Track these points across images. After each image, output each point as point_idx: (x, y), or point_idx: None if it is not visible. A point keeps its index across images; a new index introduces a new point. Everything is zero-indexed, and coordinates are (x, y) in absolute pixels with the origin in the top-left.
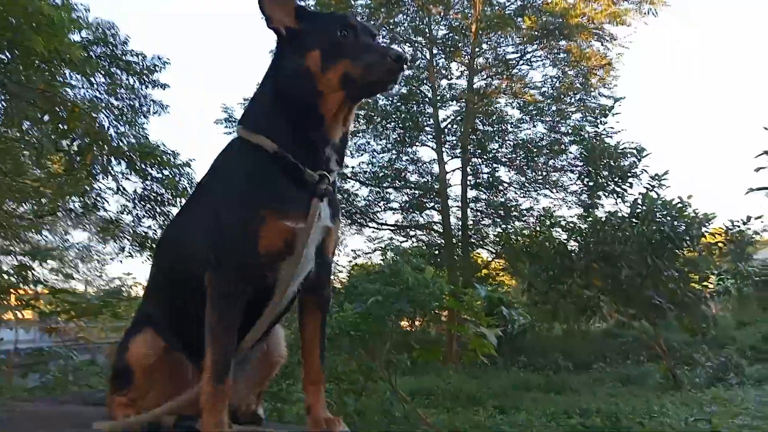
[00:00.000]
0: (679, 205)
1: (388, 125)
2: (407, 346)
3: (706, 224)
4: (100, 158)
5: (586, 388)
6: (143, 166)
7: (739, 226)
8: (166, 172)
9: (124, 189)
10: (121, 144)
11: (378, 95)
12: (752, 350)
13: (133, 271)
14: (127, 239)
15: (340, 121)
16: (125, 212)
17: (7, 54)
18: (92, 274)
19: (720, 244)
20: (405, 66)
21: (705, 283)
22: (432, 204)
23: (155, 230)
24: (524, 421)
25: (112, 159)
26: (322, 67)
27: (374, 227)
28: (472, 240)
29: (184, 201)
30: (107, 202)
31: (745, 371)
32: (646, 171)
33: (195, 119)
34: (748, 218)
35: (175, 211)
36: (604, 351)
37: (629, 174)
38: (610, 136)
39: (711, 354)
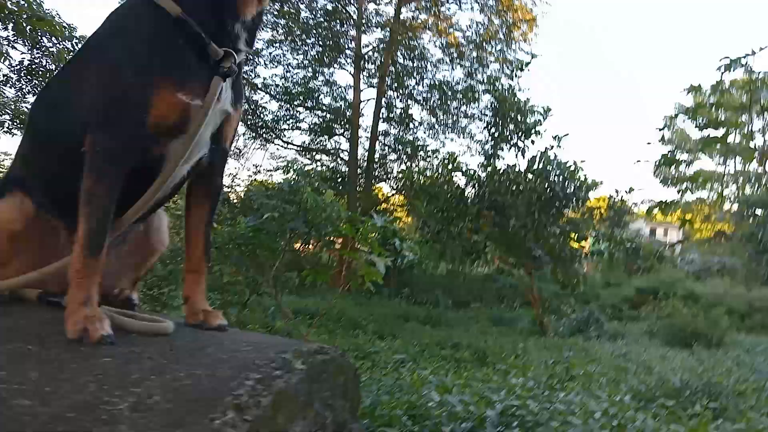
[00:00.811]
0: (572, 167)
1: (308, 41)
2: (297, 266)
3: (593, 189)
4: None
5: (461, 325)
6: (35, 34)
7: (621, 196)
8: (60, 46)
9: (8, 56)
10: (7, 4)
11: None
12: (612, 309)
13: (11, 150)
14: (8, 114)
15: None
16: (8, 84)
17: None
18: None
19: (601, 210)
20: None
21: (582, 243)
22: (342, 130)
23: None
24: (400, 348)
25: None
26: None
27: (279, 145)
28: (376, 173)
29: None
30: None
31: (604, 326)
32: (547, 130)
33: None
34: (631, 189)
35: None
36: (482, 293)
37: (533, 131)
38: (522, 90)
39: (576, 307)
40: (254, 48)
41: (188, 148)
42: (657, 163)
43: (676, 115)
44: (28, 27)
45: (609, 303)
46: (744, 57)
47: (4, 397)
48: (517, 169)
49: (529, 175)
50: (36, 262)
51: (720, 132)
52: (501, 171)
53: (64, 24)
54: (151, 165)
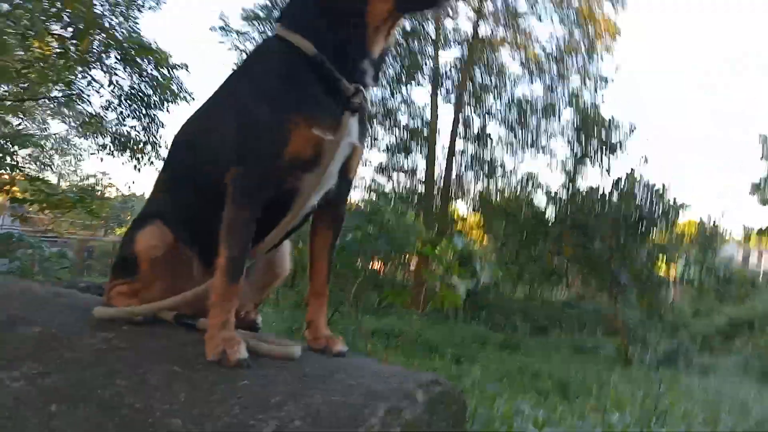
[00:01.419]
0: (659, 189)
1: (386, 59)
2: (374, 286)
3: (682, 211)
4: (94, 48)
5: (540, 352)
6: (139, 61)
7: (714, 220)
8: (159, 72)
9: (116, 84)
10: (115, 34)
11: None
12: (703, 339)
13: (110, 171)
14: (109, 137)
15: (382, 35)
16: (110, 108)
17: None
18: (66, 168)
19: (691, 234)
20: None
21: (670, 269)
22: (419, 149)
23: (138, 131)
24: (479, 374)
25: (107, 50)
26: None
27: None
28: (453, 192)
29: (171, 105)
30: (96, 93)
31: (693, 358)
32: (628, 153)
33: (188, 22)
34: (723, 213)
35: (160, 114)
36: (561, 319)
37: (618, 148)
38: (604, 103)
39: (664, 337)
40: (379, 82)
41: (321, 180)
42: (757, 185)
43: None
44: (135, 55)
45: (699, 333)
46: None
47: (161, 417)
48: (601, 190)
49: (614, 196)
50: (171, 287)
51: None
52: (584, 191)
53: (161, 50)
54: (286, 196)
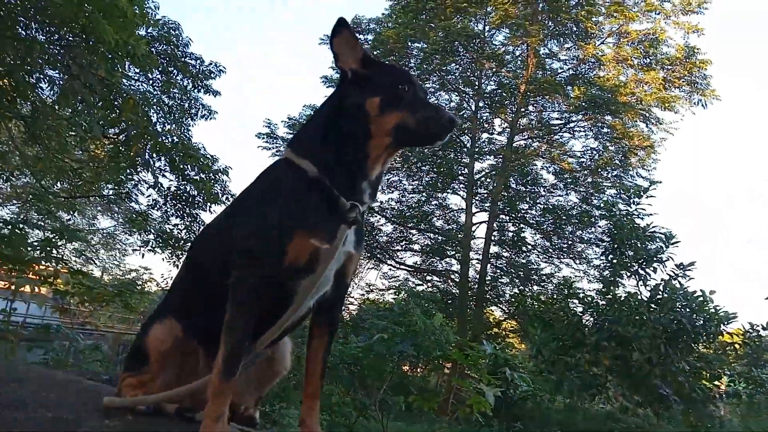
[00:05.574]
0: (701, 298)
1: (423, 167)
2: (404, 390)
3: (726, 323)
4: (143, 152)
5: None
6: (182, 166)
7: (759, 330)
8: (203, 175)
9: (161, 185)
10: (164, 141)
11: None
12: None
13: (152, 266)
14: (153, 234)
15: (380, 162)
16: (155, 207)
17: (77, 38)
18: (110, 262)
19: (737, 346)
20: (455, 129)
21: (716, 382)
22: (453, 252)
23: (181, 229)
24: None
25: (155, 154)
26: (380, 113)
27: (392, 265)
28: (488, 296)
29: (214, 206)
30: (140, 194)
31: None
32: (672, 258)
33: (237, 126)
34: None
35: (203, 214)
36: None
37: (655, 258)
38: (641, 218)
39: None
40: (376, 200)
41: (315, 284)
42: None
43: None
44: (179, 161)
45: None
46: None
47: None
48: (638, 298)
49: (653, 305)
50: (176, 379)
51: None
52: (621, 299)
53: (208, 155)
54: (283, 298)
